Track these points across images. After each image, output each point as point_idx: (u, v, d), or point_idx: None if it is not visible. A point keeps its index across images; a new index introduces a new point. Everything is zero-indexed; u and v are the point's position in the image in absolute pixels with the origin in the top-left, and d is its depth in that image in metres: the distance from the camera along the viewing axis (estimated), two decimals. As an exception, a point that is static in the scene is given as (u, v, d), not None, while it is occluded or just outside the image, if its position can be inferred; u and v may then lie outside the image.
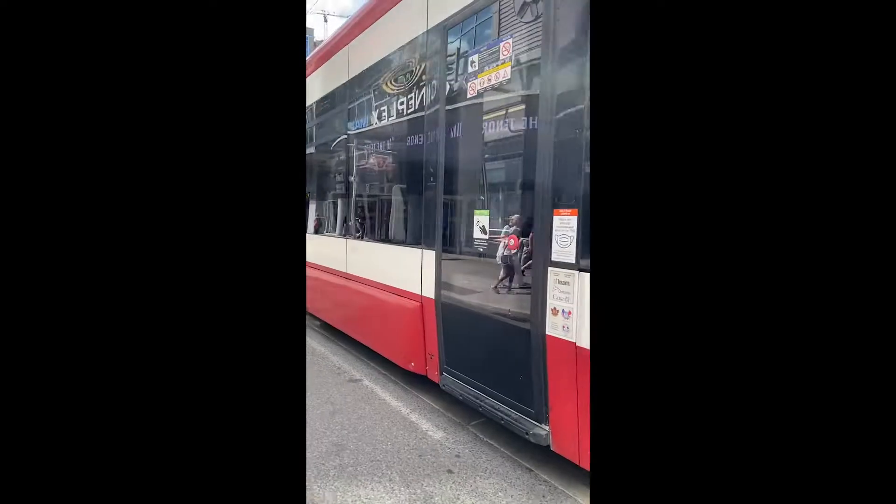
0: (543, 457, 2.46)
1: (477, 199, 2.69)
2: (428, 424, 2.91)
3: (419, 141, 3.12)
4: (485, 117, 2.60)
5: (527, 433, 2.32)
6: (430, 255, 3.02)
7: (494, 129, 2.55)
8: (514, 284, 2.50)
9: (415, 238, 3.24)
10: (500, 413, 2.50)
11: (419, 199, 3.15)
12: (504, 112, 2.48)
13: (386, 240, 3.70)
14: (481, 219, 2.58)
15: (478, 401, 2.66)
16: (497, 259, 2.52)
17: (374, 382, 3.60)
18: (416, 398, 3.31)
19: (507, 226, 2.65)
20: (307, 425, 2.83)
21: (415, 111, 3.20)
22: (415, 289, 3.18)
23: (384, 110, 3.60)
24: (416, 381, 3.51)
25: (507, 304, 2.52)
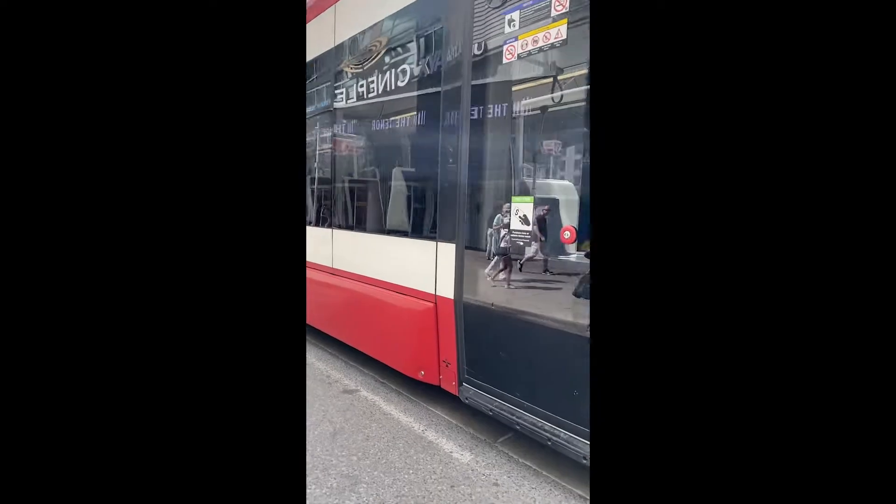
0: (598, 481, 2.15)
1: (514, 184, 2.31)
2: (450, 444, 2.52)
3: (434, 113, 2.68)
4: (526, 86, 2.21)
5: (585, 458, 1.99)
6: (447, 250, 2.61)
7: (539, 100, 2.17)
8: (512, 277, 2.34)
9: (427, 229, 2.81)
10: (544, 433, 2.17)
11: (433, 184, 2.71)
12: (555, 79, 2.09)
13: (386, 231, 3.24)
14: (522, 207, 2.19)
15: (513, 417, 2.31)
16: (493, 250, 2.36)
17: (374, 393, 3.16)
18: (426, 411, 2.91)
19: (501, 214, 2.38)
20: (307, 451, 2.38)
21: (429, 77, 2.75)
22: (427, 287, 2.77)
23: (385, 79, 3.11)
24: (423, 390, 3.11)
25: (556, 308, 2.17)
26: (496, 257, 2.46)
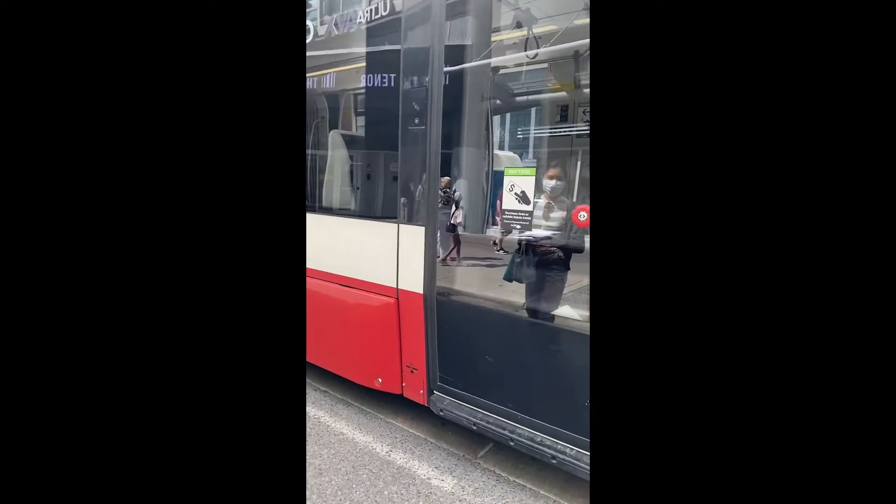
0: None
1: (509, 153, 1.87)
2: (425, 467, 2.11)
3: (389, 58, 2.12)
4: (527, 31, 1.76)
5: (601, 478, 1.70)
6: (413, 234, 2.12)
7: (542, 43, 1.73)
8: (461, 256, 2.21)
9: (385, 208, 2.28)
10: (545, 448, 1.84)
11: (391, 152, 2.18)
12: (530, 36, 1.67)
13: (327, 210, 2.63)
14: (519, 181, 1.77)
15: (504, 431, 1.96)
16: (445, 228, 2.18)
17: (317, 407, 2.62)
18: (386, 425, 2.45)
19: (449, 190, 2.12)
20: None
21: (386, 16, 2.16)
22: (387, 280, 2.26)
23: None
24: (375, 398, 2.64)
25: (560, 303, 1.81)
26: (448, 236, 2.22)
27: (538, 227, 1.87)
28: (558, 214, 1.90)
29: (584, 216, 1.64)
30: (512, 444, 1.93)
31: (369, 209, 2.38)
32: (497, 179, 2.41)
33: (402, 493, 1.92)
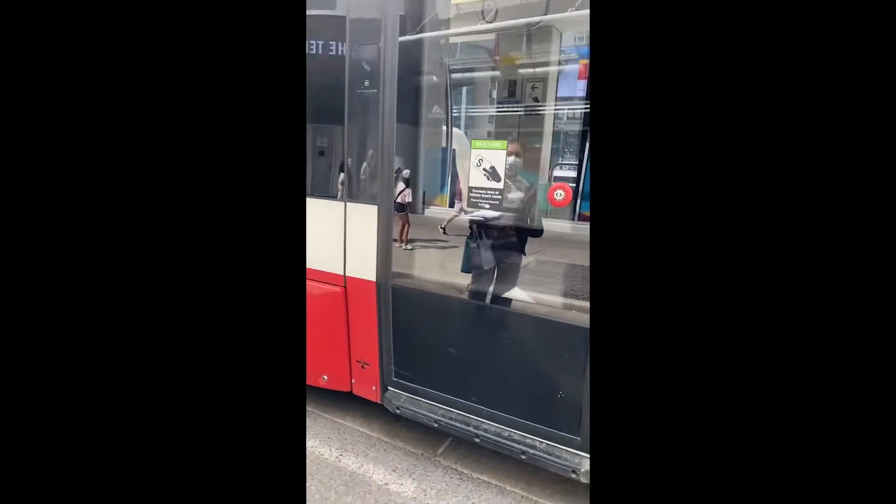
0: (568, 489, 1.83)
1: (477, 123, 1.68)
2: (381, 470, 1.92)
3: (336, 21, 1.82)
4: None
5: (574, 471, 1.63)
6: (363, 214, 1.88)
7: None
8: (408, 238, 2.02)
9: (327, 185, 2.00)
10: (513, 444, 1.73)
11: (336, 121, 1.89)
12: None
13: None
14: (488, 155, 1.59)
15: (469, 427, 1.82)
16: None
17: (250, 410, 2.31)
18: (333, 425, 2.22)
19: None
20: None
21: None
22: (332, 266, 2.01)
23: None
24: (318, 396, 2.39)
25: (526, 289, 1.68)
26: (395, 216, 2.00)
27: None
28: (516, 195, 1.76)
29: (560, 195, 1.50)
30: (478, 440, 1.80)
31: (308, 185, 2.08)
32: (452, 156, 2.22)
33: (358, 503, 1.72)
